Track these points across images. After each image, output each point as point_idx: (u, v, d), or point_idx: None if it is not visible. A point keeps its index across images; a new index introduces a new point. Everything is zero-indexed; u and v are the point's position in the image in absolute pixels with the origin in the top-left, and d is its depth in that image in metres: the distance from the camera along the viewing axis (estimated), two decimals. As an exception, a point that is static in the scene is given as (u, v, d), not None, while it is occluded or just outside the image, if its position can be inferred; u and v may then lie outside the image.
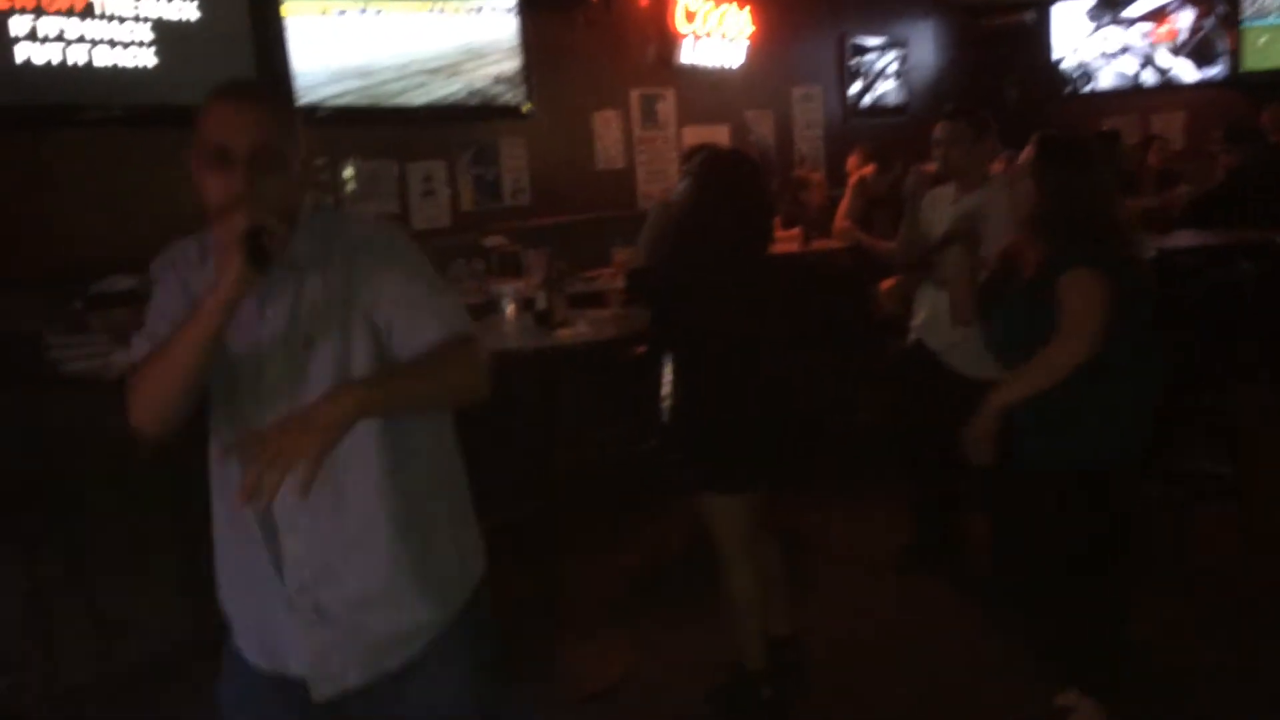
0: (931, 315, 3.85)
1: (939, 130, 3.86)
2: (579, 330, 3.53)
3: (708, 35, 6.46)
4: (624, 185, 6.33)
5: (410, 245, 1.74)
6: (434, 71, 5.07)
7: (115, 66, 4.02)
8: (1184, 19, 8.81)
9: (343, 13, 4.72)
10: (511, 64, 5.40)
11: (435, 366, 1.62)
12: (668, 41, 6.33)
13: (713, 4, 6.47)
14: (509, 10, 5.37)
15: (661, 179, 6.50)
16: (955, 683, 3.24)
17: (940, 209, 3.88)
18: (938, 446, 3.86)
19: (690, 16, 6.32)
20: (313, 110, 4.58)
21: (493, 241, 5.29)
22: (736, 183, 3.03)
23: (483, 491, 1.90)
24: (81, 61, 3.94)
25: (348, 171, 4.91)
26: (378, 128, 5.03)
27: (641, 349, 3.70)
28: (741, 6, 6.68)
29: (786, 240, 5.89)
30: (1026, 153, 2.77)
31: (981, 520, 3.91)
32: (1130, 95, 9.01)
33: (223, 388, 1.67)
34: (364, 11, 4.77)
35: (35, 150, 3.99)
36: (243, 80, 1.75)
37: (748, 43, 6.78)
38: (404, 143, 5.18)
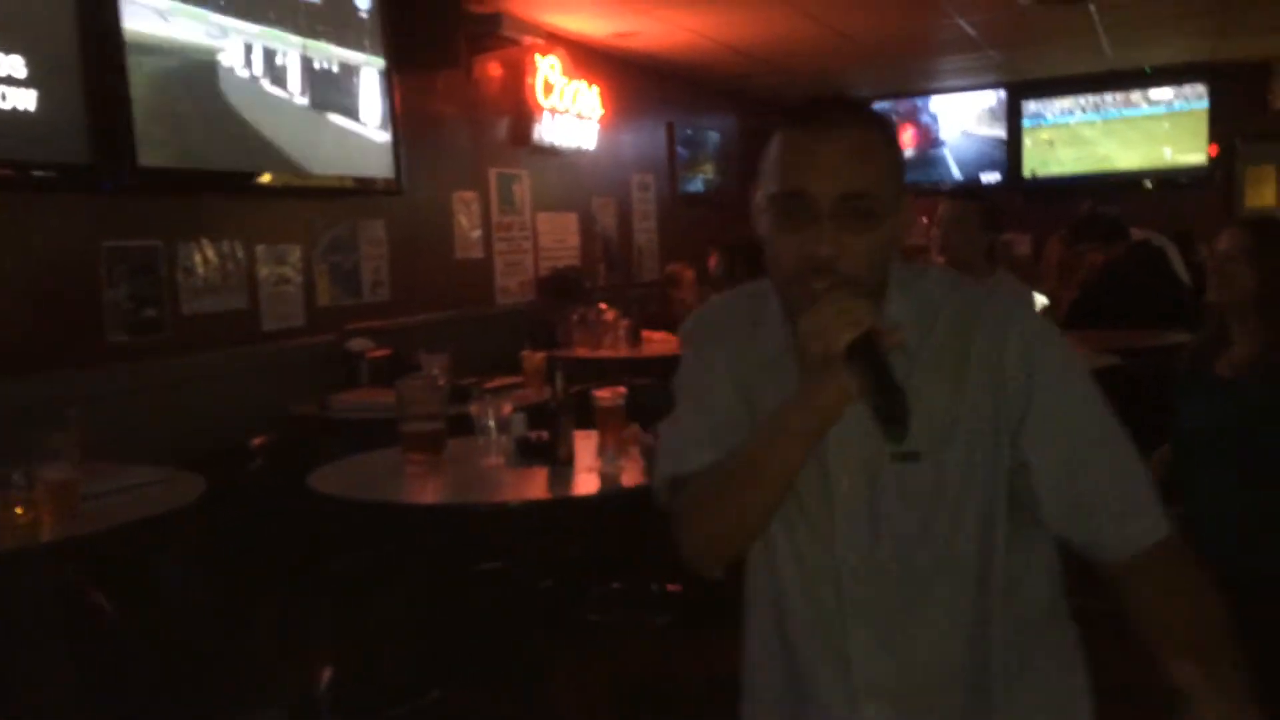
0: None
1: (942, 209, 3.45)
2: (606, 469, 2.64)
3: (565, 112, 5.79)
4: (482, 279, 5.45)
5: (1076, 353, 1.28)
6: (294, 130, 4.02)
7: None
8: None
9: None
10: (377, 130, 4.44)
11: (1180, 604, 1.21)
12: (524, 116, 5.59)
13: (567, 79, 5.81)
14: (377, 66, 4.42)
15: (519, 272, 5.69)
16: None
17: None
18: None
19: (549, 89, 5.63)
20: (149, 175, 3.44)
21: (358, 345, 4.27)
22: None
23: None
24: None
25: (190, 256, 3.76)
26: (221, 201, 3.92)
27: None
28: (591, 85, 6.08)
29: (660, 343, 5.28)
30: (1230, 236, 2.40)
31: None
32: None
33: None
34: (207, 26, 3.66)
35: None
36: (829, 98, 1.22)
37: (598, 126, 6.18)
38: (254, 221, 4.05)
